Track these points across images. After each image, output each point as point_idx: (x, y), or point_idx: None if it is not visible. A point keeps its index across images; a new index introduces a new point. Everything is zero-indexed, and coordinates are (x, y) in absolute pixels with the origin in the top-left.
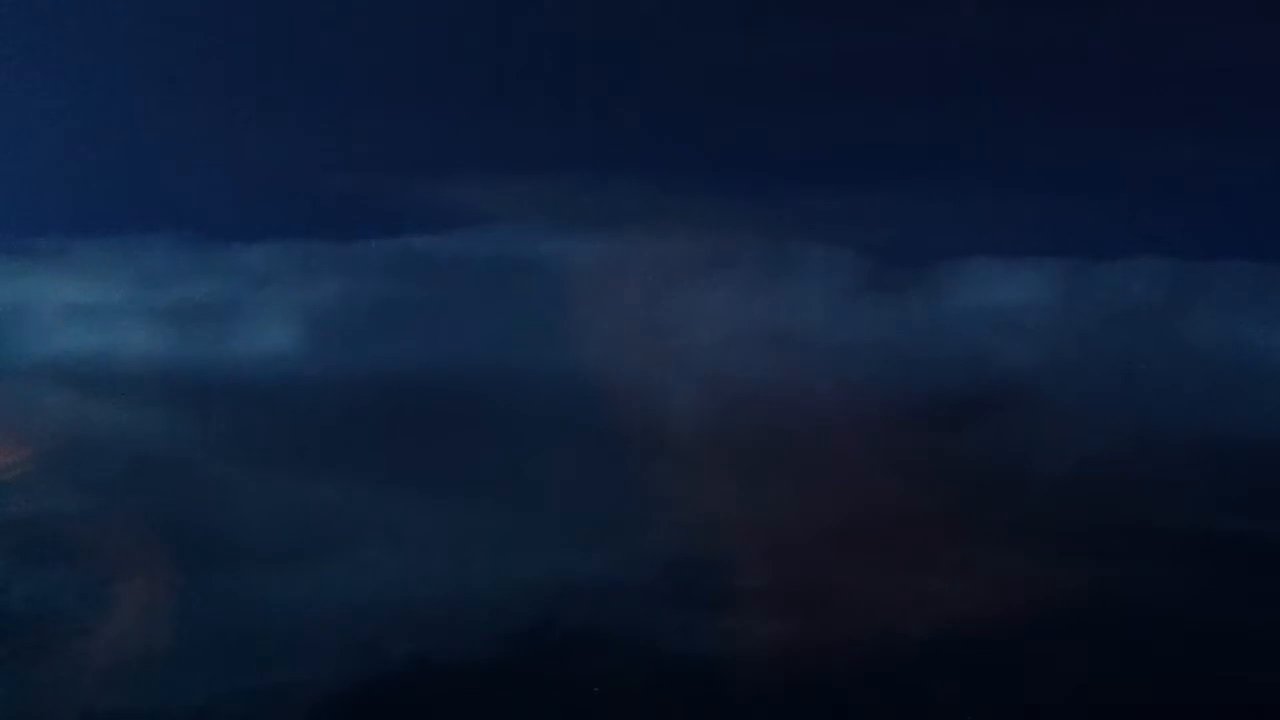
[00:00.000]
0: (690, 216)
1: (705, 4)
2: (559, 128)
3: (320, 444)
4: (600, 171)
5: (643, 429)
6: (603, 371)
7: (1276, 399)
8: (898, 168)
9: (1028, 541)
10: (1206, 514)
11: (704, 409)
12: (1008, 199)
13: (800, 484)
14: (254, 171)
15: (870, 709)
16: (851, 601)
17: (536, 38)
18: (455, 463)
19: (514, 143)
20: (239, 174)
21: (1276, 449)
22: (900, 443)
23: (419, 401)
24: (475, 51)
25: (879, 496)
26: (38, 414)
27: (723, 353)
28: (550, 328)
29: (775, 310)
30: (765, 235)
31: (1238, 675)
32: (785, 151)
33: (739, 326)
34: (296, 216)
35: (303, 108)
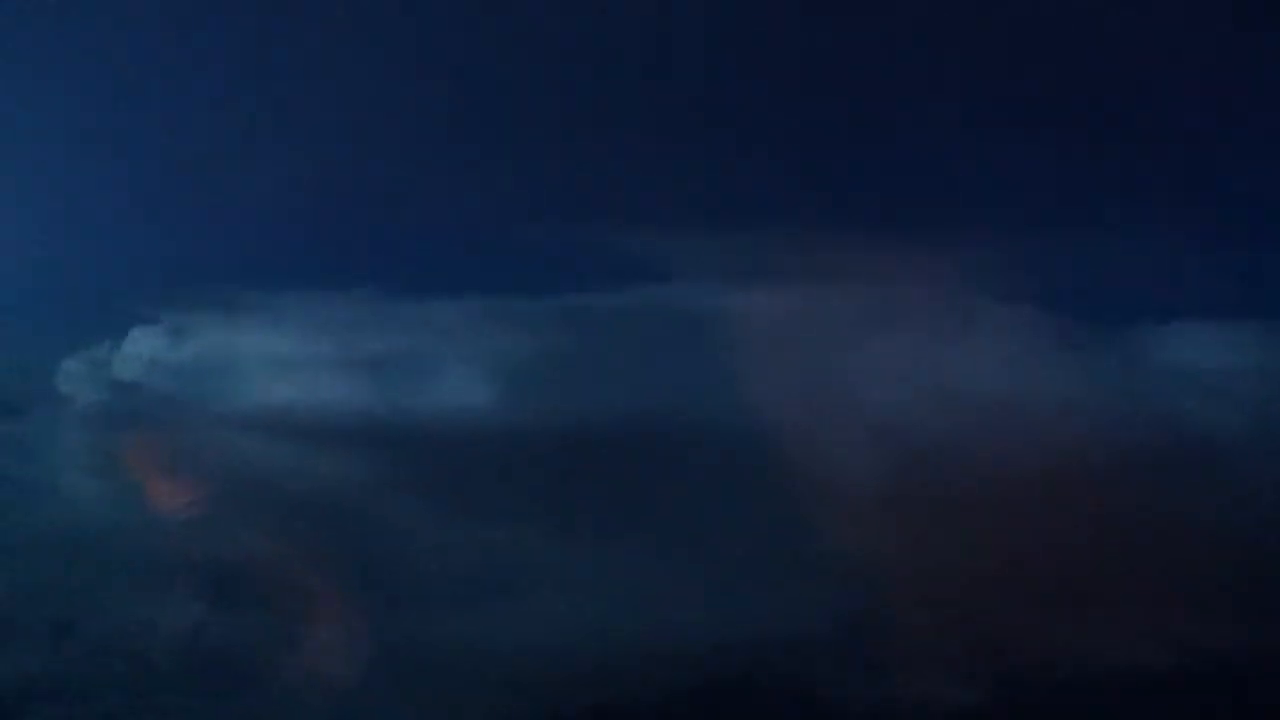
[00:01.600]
0: (868, 270)
1: (887, 59)
2: (746, 182)
3: (503, 494)
4: (778, 226)
5: (817, 484)
6: (778, 426)
7: None
8: (1087, 216)
9: (1214, 607)
10: None
11: (879, 465)
12: (1209, 252)
13: (976, 543)
14: (444, 226)
15: None
16: (1029, 662)
17: (724, 91)
18: (633, 515)
19: (702, 197)
20: (431, 228)
21: None
22: (1082, 505)
23: (599, 454)
24: (659, 106)
25: (1058, 558)
26: (235, 460)
27: (899, 409)
28: (728, 382)
29: (954, 367)
30: (945, 290)
31: None
32: (969, 200)
33: (916, 383)
34: (485, 270)
35: (492, 161)
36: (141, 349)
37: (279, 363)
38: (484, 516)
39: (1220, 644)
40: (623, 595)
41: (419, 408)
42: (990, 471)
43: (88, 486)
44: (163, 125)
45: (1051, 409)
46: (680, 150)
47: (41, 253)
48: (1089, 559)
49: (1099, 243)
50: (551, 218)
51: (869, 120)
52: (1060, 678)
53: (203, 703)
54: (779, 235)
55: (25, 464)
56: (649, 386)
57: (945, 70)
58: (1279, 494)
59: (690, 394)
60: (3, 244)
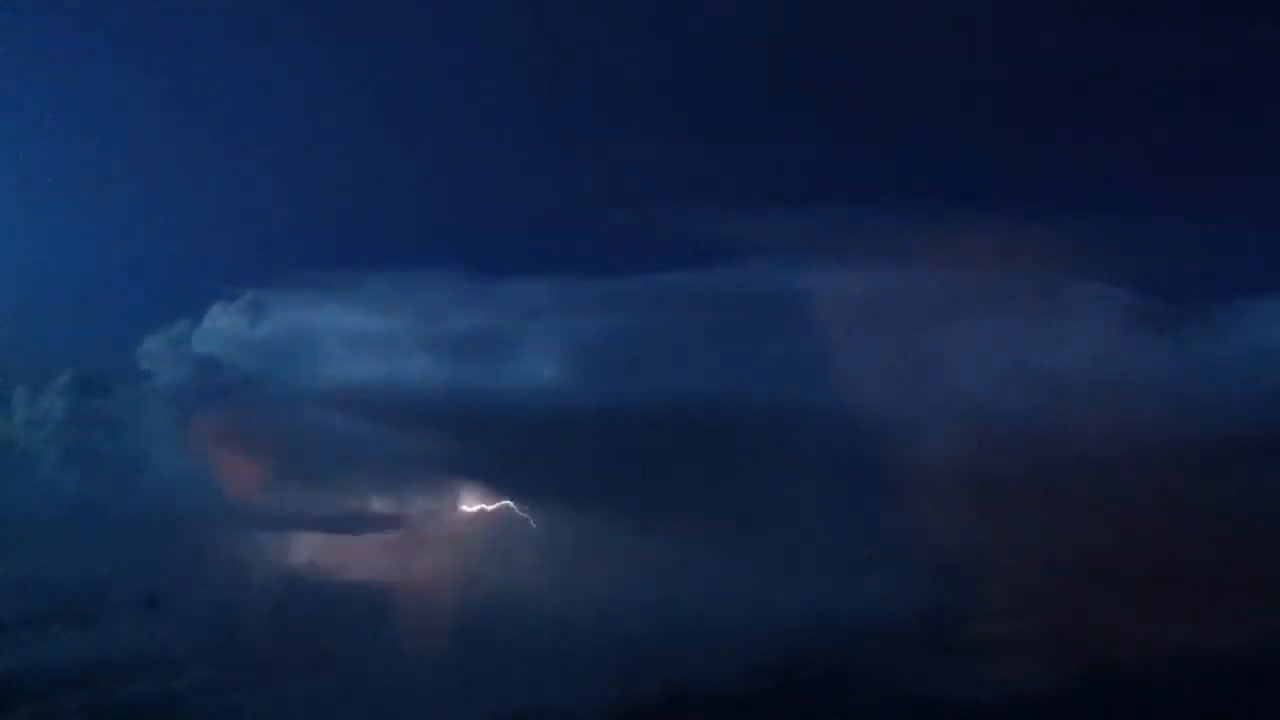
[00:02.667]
0: (953, 250)
1: (983, 34)
2: (825, 159)
3: (582, 474)
4: (864, 203)
5: (902, 467)
6: (863, 408)
7: None
8: (1179, 195)
9: None
10: None
11: (965, 448)
12: None
13: (1063, 527)
14: (524, 207)
15: None
16: (1113, 651)
17: (802, 69)
18: (713, 497)
19: (780, 175)
20: (510, 209)
21: None
22: (1170, 487)
23: (679, 435)
24: (740, 84)
25: (1145, 541)
26: (315, 437)
27: (987, 391)
28: (813, 362)
29: (1043, 348)
30: (1035, 269)
31: None
32: (1058, 179)
33: (1005, 364)
34: (564, 251)
35: (571, 144)
36: (222, 326)
37: (359, 340)
38: (563, 495)
39: None
40: (702, 577)
41: (498, 386)
42: (1077, 454)
43: (172, 462)
44: (247, 106)
45: (1141, 391)
46: (759, 129)
47: (124, 233)
48: (1179, 544)
49: (1191, 222)
50: (630, 199)
51: (954, 98)
52: (1149, 664)
53: (287, 675)
54: (860, 214)
55: (112, 440)
56: (729, 367)
57: (1038, 50)
58: None
59: (770, 375)
60: (86, 225)
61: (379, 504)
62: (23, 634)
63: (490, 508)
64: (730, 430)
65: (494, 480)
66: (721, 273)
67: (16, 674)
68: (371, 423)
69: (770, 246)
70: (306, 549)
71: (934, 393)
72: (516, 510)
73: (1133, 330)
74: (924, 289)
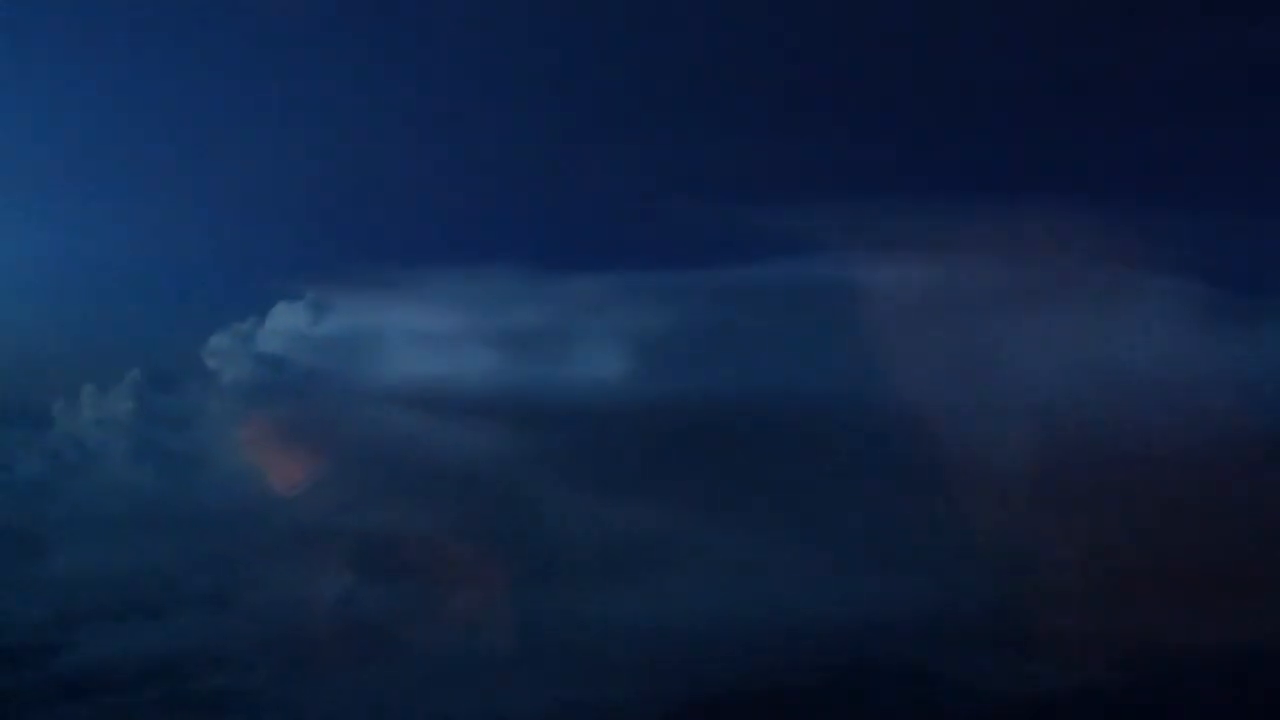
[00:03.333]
0: (1018, 242)
1: (1049, 19)
2: (888, 151)
3: (645, 469)
4: (927, 196)
5: (968, 463)
6: (926, 403)
7: None
8: (1250, 187)
9: None
10: None
11: (1031, 445)
12: None
13: (1132, 525)
14: (584, 203)
15: None
16: (1180, 649)
17: (861, 61)
18: (777, 492)
19: (841, 168)
20: (570, 206)
21: None
22: (1239, 484)
23: (742, 430)
24: (799, 77)
25: (1218, 539)
26: (379, 433)
27: (1051, 387)
28: (873, 357)
29: (1108, 342)
30: (1101, 261)
31: None
32: (1126, 170)
33: (1069, 359)
34: (624, 246)
35: (629, 140)
36: (285, 325)
37: (422, 337)
38: (625, 491)
39: None
40: (765, 573)
41: (560, 382)
42: (1143, 450)
43: (237, 459)
44: (314, 107)
45: (1210, 386)
46: (819, 122)
47: (189, 234)
48: (1248, 542)
49: (1261, 214)
50: (690, 193)
51: (1021, 87)
52: (1218, 662)
53: (354, 672)
54: (923, 207)
55: (179, 437)
56: (790, 361)
57: (1107, 36)
58: None
59: (833, 369)
60: (152, 226)
61: (440, 499)
62: (97, 627)
63: (551, 501)
64: (793, 425)
65: (555, 475)
66: (782, 266)
67: (92, 667)
68: (433, 419)
69: (831, 240)
70: (370, 545)
71: (998, 388)
72: (578, 505)
73: (1201, 324)
74: (988, 283)
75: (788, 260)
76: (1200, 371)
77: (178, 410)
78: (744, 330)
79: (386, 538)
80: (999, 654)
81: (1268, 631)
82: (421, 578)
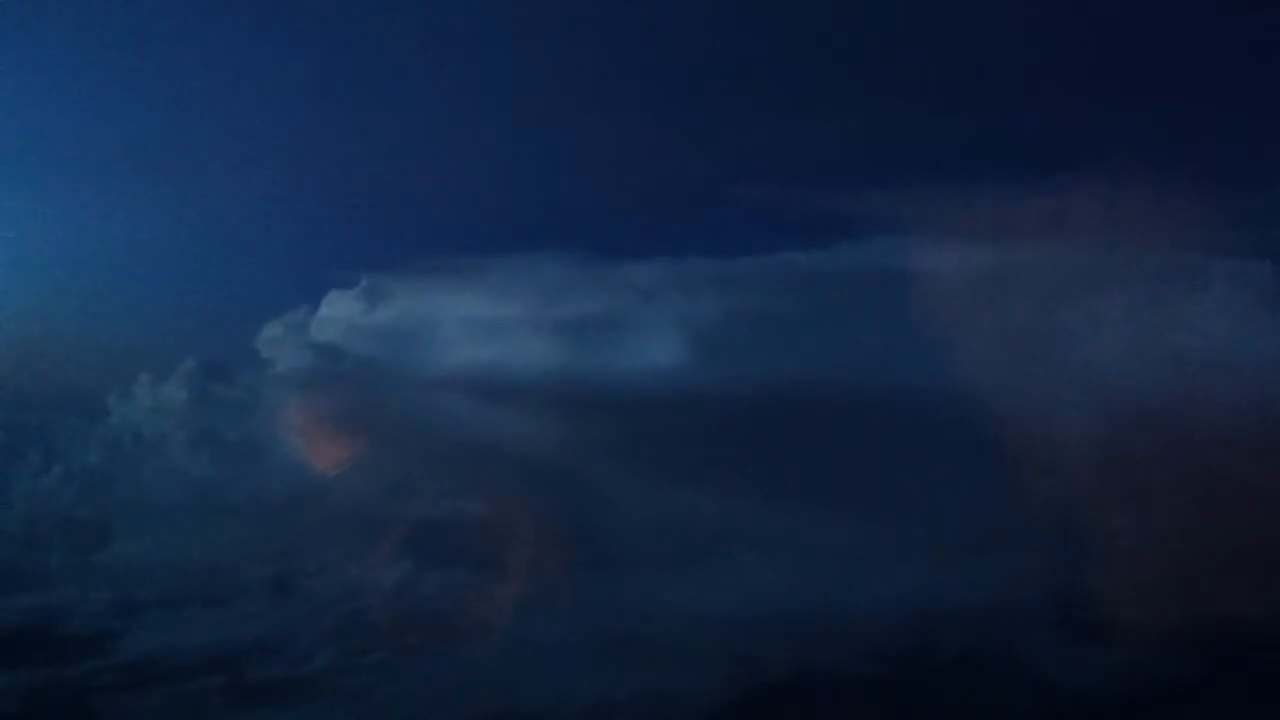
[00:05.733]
0: (1086, 225)
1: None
2: (949, 134)
3: (701, 457)
4: (990, 178)
5: (1027, 450)
6: (987, 390)
7: None
8: None
9: None
10: None
11: (1094, 430)
12: None
13: (1197, 512)
14: (640, 189)
15: None
16: (1244, 639)
17: (921, 41)
18: (834, 478)
19: (901, 151)
20: (626, 192)
21: None
22: None
23: (798, 416)
24: (858, 59)
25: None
26: (434, 422)
27: (1116, 371)
28: (933, 342)
29: (1176, 326)
30: (1170, 244)
31: None
32: (1193, 149)
33: (1135, 343)
34: (680, 232)
35: (688, 126)
36: (339, 313)
37: (476, 325)
38: (685, 479)
39: None
40: (826, 560)
41: (618, 370)
42: (1210, 436)
43: (294, 447)
44: (365, 92)
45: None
46: (878, 104)
47: (242, 220)
48: None
49: None
50: (749, 178)
51: (1083, 68)
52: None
53: (412, 658)
54: (986, 189)
55: (234, 426)
56: (850, 348)
57: (1169, 14)
58: None
59: (892, 355)
60: (205, 214)
61: (496, 487)
62: (159, 615)
63: (607, 488)
64: (852, 411)
65: (611, 462)
66: (843, 252)
67: (154, 654)
68: (490, 406)
69: (892, 224)
70: (427, 532)
71: (1061, 373)
72: (634, 492)
73: (1272, 308)
74: (1051, 266)
75: (851, 245)
76: (1273, 355)
77: (234, 399)
78: (805, 316)
79: (443, 525)
80: (1064, 643)
81: None
82: (478, 565)
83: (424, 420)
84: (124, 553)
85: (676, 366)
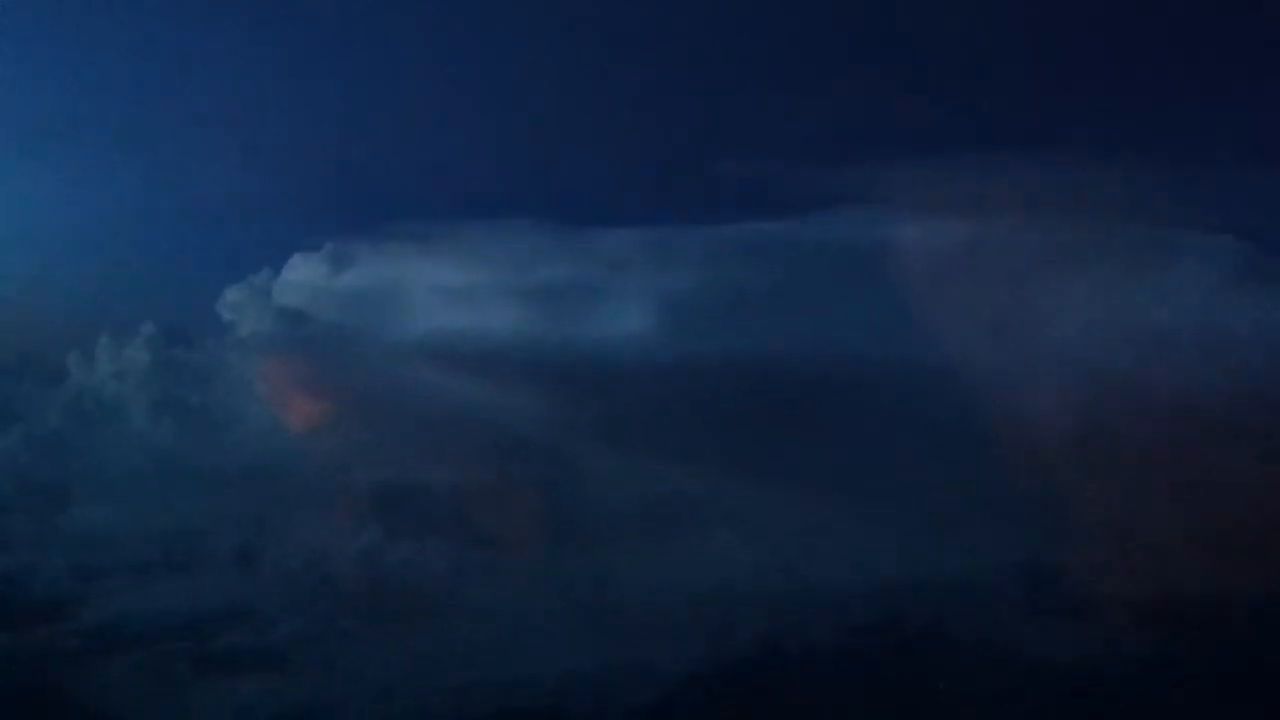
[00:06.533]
0: (1059, 199)
1: None
2: (925, 110)
3: (673, 428)
4: (966, 153)
5: (1001, 425)
6: (961, 363)
7: None
8: None
9: None
10: None
11: (1065, 404)
12: None
13: (1165, 485)
14: (610, 156)
15: None
16: (1214, 614)
17: (903, 20)
18: (806, 452)
19: (878, 125)
20: (596, 159)
21: None
22: (1279, 444)
23: (772, 389)
24: (838, 35)
25: (1250, 501)
26: (400, 389)
27: (1088, 346)
28: (908, 316)
29: (1147, 300)
30: (1138, 219)
31: None
32: (1164, 126)
33: (1107, 318)
34: (653, 202)
35: (660, 93)
36: (303, 277)
37: (445, 292)
38: (655, 451)
39: None
40: (796, 534)
41: (588, 339)
42: (1181, 410)
43: (256, 413)
44: (330, 59)
45: (1248, 345)
46: (856, 79)
47: (206, 185)
48: None
49: None
50: (723, 149)
51: (1057, 47)
52: (1252, 628)
53: (380, 628)
54: (961, 165)
55: (196, 391)
56: (823, 320)
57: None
58: None
59: (866, 329)
60: (167, 178)
61: (465, 455)
62: (122, 581)
63: (578, 459)
64: (825, 385)
65: (582, 432)
66: (817, 224)
67: (119, 620)
68: (457, 374)
69: (867, 198)
70: (392, 501)
71: (1034, 347)
72: (605, 464)
73: (1240, 282)
74: (1025, 241)
75: (824, 217)
76: (1242, 330)
77: (196, 363)
78: (778, 288)
79: (411, 494)
80: (1032, 616)
81: None
82: (446, 534)
83: (391, 387)
84: (85, 518)
85: (648, 336)
